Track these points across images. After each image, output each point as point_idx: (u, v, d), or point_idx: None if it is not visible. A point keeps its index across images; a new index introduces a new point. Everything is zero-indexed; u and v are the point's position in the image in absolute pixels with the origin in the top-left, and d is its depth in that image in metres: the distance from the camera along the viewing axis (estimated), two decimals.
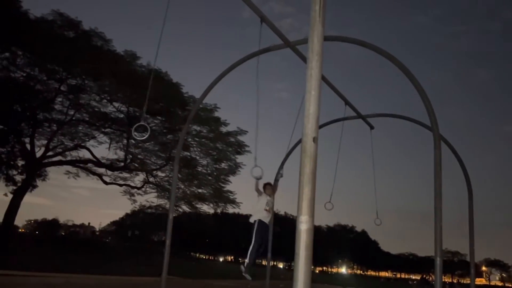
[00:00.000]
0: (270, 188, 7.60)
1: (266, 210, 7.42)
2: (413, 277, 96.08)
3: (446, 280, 74.25)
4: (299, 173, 2.60)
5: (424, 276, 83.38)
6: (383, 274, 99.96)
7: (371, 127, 10.79)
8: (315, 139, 2.62)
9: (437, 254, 5.63)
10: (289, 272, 55.76)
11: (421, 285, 70.10)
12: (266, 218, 7.45)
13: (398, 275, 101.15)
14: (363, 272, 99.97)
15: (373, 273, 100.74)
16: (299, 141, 11.48)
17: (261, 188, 7.53)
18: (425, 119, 7.95)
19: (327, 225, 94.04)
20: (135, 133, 5.63)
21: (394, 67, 6.92)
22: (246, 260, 7.49)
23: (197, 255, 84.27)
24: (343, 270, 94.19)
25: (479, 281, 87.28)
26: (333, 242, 77.38)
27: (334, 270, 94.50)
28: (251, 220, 7.49)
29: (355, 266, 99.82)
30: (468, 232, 9.85)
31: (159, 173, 24.20)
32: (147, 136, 5.58)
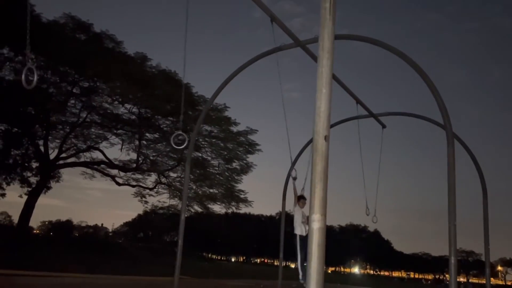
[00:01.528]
0: (304, 202, 7.81)
1: (303, 223, 7.63)
2: (427, 277, 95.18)
3: (460, 280, 73.36)
4: (311, 172, 2.59)
5: (438, 276, 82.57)
6: (396, 274, 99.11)
7: (383, 126, 10.70)
8: (326, 137, 2.60)
9: (452, 254, 5.56)
10: None
11: (435, 285, 69.46)
12: (304, 232, 7.61)
13: (412, 275, 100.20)
14: (376, 272, 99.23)
15: (386, 273, 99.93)
16: (310, 141, 11.44)
17: (297, 191, 7.75)
18: (438, 117, 7.87)
19: (339, 225, 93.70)
20: (173, 142, 5.69)
21: (406, 65, 6.86)
22: (300, 274, 7.75)
23: (209, 255, 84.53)
24: (356, 270, 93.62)
25: (494, 281, 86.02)
26: (345, 242, 76.92)
27: (347, 270, 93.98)
28: (295, 232, 7.79)
29: (367, 266, 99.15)
30: (483, 231, 9.71)
31: (171, 174, 24.37)
32: (185, 145, 5.65)
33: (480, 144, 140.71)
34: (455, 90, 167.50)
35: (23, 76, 4.98)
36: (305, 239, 7.52)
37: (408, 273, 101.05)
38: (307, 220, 7.51)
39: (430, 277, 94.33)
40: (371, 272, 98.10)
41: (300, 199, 7.78)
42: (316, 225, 2.51)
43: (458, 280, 5.86)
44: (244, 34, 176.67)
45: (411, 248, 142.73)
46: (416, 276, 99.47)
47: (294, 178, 7.24)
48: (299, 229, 7.64)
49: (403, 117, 10.34)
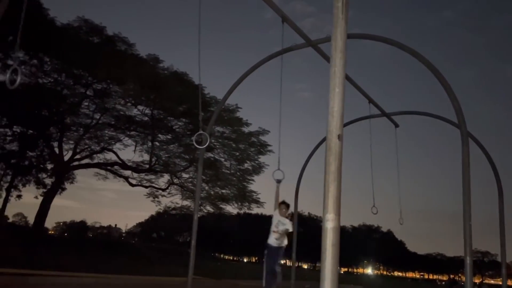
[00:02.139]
0: (284, 209, 6.92)
1: (273, 232, 6.80)
2: (441, 278, 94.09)
3: (476, 281, 72.37)
4: (324, 172, 2.59)
5: (453, 276, 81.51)
6: (410, 274, 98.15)
7: (396, 125, 10.62)
8: (340, 137, 2.60)
9: (467, 254, 5.50)
10: (314, 272, 55.44)
11: (449, 286, 68.55)
12: (274, 241, 6.75)
13: (426, 276, 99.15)
14: (389, 273, 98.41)
15: (399, 273, 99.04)
16: (323, 140, 11.41)
17: (279, 196, 7.02)
18: (452, 116, 7.78)
19: (352, 225, 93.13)
20: (195, 142, 5.70)
21: (419, 64, 6.80)
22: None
23: (221, 255, 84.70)
24: (369, 270, 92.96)
25: (511, 282, 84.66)
26: (358, 242, 76.44)
27: (360, 271, 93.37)
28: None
29: (381, 267, 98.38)
30: (498, 231, 9.58)
31: (183, 175, 24.51)
32: (206, 145, 5.59)
33: (495, 143, 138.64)
34: (470, 88, 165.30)
35: (7, 76, 5.04)
36: (273, 250, 6.78)
37: (422, 273, 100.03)
38: (279, 230, 6.78)
39: (444, 278, 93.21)
40: (385, 273, 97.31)
41: (281, 205, 6.94)
42: (330, 224, 2.51)
43: (473, 281, 5.79)
44: (255, 34, 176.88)
45: (425, 249, 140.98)
46: (430, 277, 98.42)
47: (278, 181, 6.61)
48: (269, 238, 6.78)
49: (416, 116, 10.25)
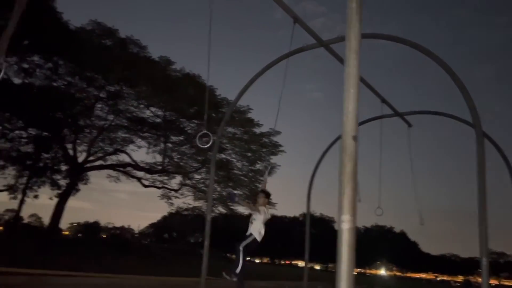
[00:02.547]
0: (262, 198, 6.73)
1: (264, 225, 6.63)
2: (456, 279, 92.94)
3: (490, 283, 71.22)
4: (339, 173, 2.59)
5: (468, 278, 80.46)
6: (423, 275, 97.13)
7: (409, 125, 10.54)
8: (355, 138, 2.60)
9: (483, 255, 5.44)
10: (326, 273, 55.18)
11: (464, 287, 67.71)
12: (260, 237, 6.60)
13: (440, 277, 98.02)
14: (403, 273, 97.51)
15: (413, 274, 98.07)
16: (335, 141, 11.37)
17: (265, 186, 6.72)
18: (467, 115, 7.70)
19: (364, 226, 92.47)
20: (199, 141, 5.69)
21: (433, 63, 6.75)
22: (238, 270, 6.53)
23: (233, 256, 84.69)
24: (382, 271, 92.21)
25: None
26: (370, 243, 75.92)
27: (372, 272, 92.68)
28: (253, 233, 6.65)
29: (394, 268, 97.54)
30: None
31: (195, 176, 24.62)
32: (210, 144, 5.58)
33: (510, 142, 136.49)
34: (484, 87, 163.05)
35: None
36: (256, 243, 6.60)
37: (436, 274, 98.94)
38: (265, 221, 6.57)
39: (459, 279, 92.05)
40: (398, 273, 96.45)
41: (261, 197, 6.78)
42: (346, 225, 2.50)
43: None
44: (265, 35, 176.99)
45: (439, 250, 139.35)
46: (444, 278, 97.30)
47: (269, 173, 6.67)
48: (257, 233, 6.54)
49: (430, 116, 10.16)
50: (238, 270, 6.44)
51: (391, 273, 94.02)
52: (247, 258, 6.61)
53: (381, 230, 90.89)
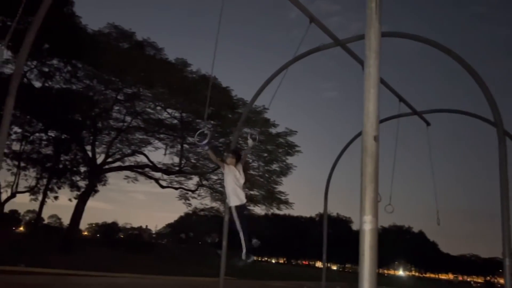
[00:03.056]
0: (232, 158, 5.91)
1: (237, 186, 5.85)
2: (476, 280, 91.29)
3: None
4: (361, 173, 2.58)
5: (489, 278, 78.96)
6: (443, 276, 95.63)
7: (428, 124, 10.42)
8: (376, 138, 2.58)
9: (506, 255, 5.35)
10: (343, 274, 54.80)
11: None
12: (243, 199, 5.86)
13: (460, 278, 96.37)
14: (421, 274, 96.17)
15: (432, 275, 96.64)
16: (351, 140, 11.30)
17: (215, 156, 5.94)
18: (487, 113, 7.57)
19: (382, 226, 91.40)
20: (197, 139, 5.50)
21: (451, 61, 6.66)
22: (244, 250, 5.96)
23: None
24: (400, 272, 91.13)
25: None
26: (389, 243, 75.06)
27: (391, 272, 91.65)
28: (231, 204, 5.88)
29: (412, 268, 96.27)
30: None
31: (212, 176, 24.71)
32: (206, 141, 5.35)
33: None
34: (505, 84, 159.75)
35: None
36: (243, 209, 5.86)
37: (456, 275, 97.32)
38: (240, 184, 5.83)
39: (479, 279, 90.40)
40: (417, 274, 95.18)
41: (228, 156, 5.96)
42: (368, 226, 2.50)
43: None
44: (281, 35, 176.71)
45: (459, 250, 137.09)
46: (465, 278, 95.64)
47: (205, 144, 5.41)
48: (234, 198, 5.75)
49: (449, 114, 10.03)
50: (250, 246, 5.96)
51: (410, 274, 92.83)
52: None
53: (399, 230, 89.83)
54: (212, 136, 5.82)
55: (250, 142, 6.17)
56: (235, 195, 5.78)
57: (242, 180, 5.88)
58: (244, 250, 5.97)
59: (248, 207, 6.02)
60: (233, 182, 5.79)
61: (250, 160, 23.23)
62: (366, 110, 2.72)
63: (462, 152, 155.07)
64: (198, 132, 5.40)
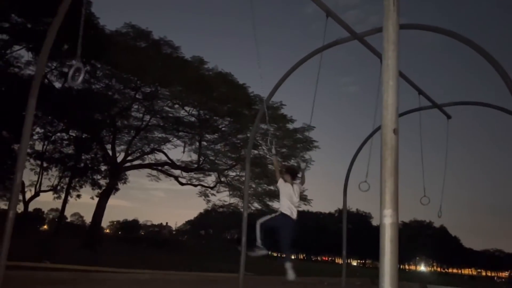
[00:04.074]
0: (288, 175, 6.48)
1: (292, 204, 6.37)
2: (500, 275, 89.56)
3: None
4: (380, 167, 2.56)
5: None
6: (466, 271, 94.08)
7: (448, 117, 10.23)
8: (395, 131, 2.55)
9: None
10: (364, 269, 54.43)
11: (509, 284, 65.09)
12: (294, 213, 6.40)
13: (483, 273, 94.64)
14: (443, 269, 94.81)
15: (454, 270, 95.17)
16: (371, 134, 11.17)
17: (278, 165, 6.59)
18: (510, 105, 7.39)
19: (402, 221, 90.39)
20: (269, 147, 5.92)
21: (472, 52, 6.51)
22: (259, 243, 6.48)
23: (269, 252, 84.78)
24: (422, 267, 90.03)
25: None
26: (409, 238, 74.19)
27: (412, 268, 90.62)
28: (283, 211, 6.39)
29: (434, 264, 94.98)
30: None
31: (230, 173, 24.84)
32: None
33: None
34: None
35: (70, 74, 5.09)
36: (292, 223, 6.39)
37: (479, 270, 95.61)
38: (294, 202, 6.34)
39: (503, 275, 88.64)
40: (438, 269, 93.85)
41: (287, 173, 6.47)
42: (388, 220, 2.47)
43: None
44: (296, 30, 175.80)
45: (482, 245, 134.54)
46: (488, 274, 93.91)
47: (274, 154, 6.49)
48: (287, 210, 6.26)
49: (471, 107, 9.82)
50: (257, 243, 6.47)
51: (432, 269, 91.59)
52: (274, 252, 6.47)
53: (420, 225, 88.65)
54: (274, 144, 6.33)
55: (303, 165, 6.83)
56: (289, 209, 6.27)
57: (296, 199, 6.37)
58: (255, 244, 6.49)
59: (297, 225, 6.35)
60: (287, 199, 6.29)
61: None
62: (385, 102, 2.69)
63: (485, 146, 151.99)
64: (269, 140, 6.17)
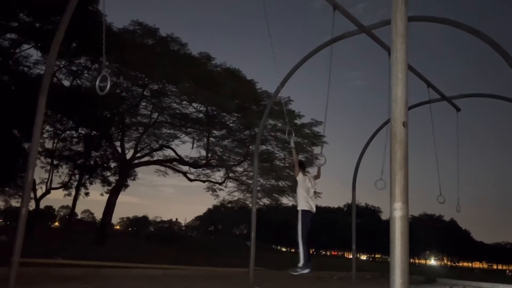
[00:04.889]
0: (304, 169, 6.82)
1: (311, 196, 6.64)
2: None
3: None
4: (390, 160, 2.55)
5: None
6: (476, 265, 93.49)
7: (458, 109, 10.17)
8: (405, 124, 2.55)
9: None
10: (373, 264, 54.35)
11: None
12: (312, 206, 6.60)
13: (495, 266, 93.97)
14: (454, 263, 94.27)
15: (465, 264, 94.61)
16: (379, 129, 11.13)
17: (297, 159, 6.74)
18: None
19: (412, 215, 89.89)
20: (289, 139, 5.97)
21: (480, 44, 6.45)
22: (301, 262, 6.47)
23: (278, 247, 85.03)
24: (432, 261, 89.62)
25: None
26: (419, 232, 73.77)
27: (422, 262, 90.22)
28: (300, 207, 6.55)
29: (444, 257, 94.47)
30: None
31: (238, 168, 24.88)
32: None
33: None
34: None
35: (97, 83, 5.29)
36: (310, 216, 6.50)
37: (490, 264, 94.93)
38: (311, 194, 6.55)
39: None
40: (449, 263, 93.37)
41: (302, 166, 6.77)
42: (398, 213, 2.48)
43: None
44: (304, 25, 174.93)
45: (493, 238, 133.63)
46: (499, 267, 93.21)
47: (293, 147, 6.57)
48: (304, 203, 6.42)
49: (480, 99, 9.74)
50: (301, 263, 6.44)
51: (442, 263, 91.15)
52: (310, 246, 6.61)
53: (430, 219, 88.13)
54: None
55: (318, 162, 6.71)
56: (306, 202, 6.40)
57: (312, 191, 6.57)
58: (301, 262, 6.41)
59: (315, 218, 6.37)
60: (305, 192, 6.44)
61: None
62: (394, 95, 2.69)
63: (495, 138, 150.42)
64: (287, 131, 6.24)
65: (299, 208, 6.40)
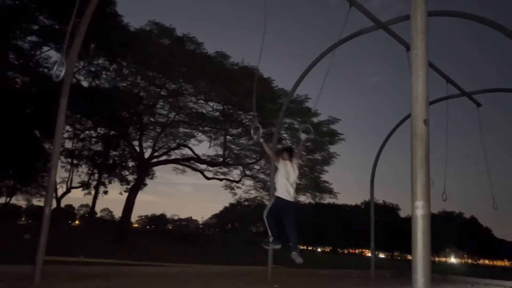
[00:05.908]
0: (286, 155, 6.30)
1: (289, 184, 6.15)
2: None
3: None
4: (411, 158, 2.53)
5: None
6: (498, 263, 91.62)
7: (478, 105, 9.98)
8: (426, 121, 2.52)
9: None
10: (392, 262, 53.80)
11: None
12: (290, 195, 6.15)
13: None
14: (475, 261, 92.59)
15: (486, 262, 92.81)
16: (396, 126, 11.01)
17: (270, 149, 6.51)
18: None
19: (431, 212, 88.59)
20: (254, 135, 5.86)
21: (501, 39, 6.32)
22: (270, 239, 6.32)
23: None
24: (452, 259, 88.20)
25: None
26: (438, 230, 72.57)
27: (441, 260, 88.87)
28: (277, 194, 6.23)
29: (465, 255, 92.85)
30: None
31: (255, 166, 24.92)
32: (260, 134, 5.68)
33: None
34: None
35: (54, 68, 5.60)
36: (291, 206, 6.16)
37: None
38: (292, 181, 6.09)
39: None
40: (469, 261, 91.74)
41: (282, 152, 6.31)
42: (420, 211, 2.47)
43: None
44: (321, 22, 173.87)
45: None
46: None
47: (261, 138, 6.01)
48: (284, 193, 6.05)
49: (502, 94, 9.54)
50: (270, 239, 6.32)
51: (462, 261, 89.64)
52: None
53: (450, 216, 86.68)
54: (265, 130, 6.34)
55: (303, 136, 6.34)
56: (286, 191, 6.05)
57: (293, 176, 6.13)
58: (270, 238, 6.29)
59: (296, 206, 6.18)
60: (283, 177, 6.08)
61: (305, 153, 23.18)
62: (414, 93, 2.66)
63: None
64: (252, 126, 5.68)
65: (275, 194, 6.17)
